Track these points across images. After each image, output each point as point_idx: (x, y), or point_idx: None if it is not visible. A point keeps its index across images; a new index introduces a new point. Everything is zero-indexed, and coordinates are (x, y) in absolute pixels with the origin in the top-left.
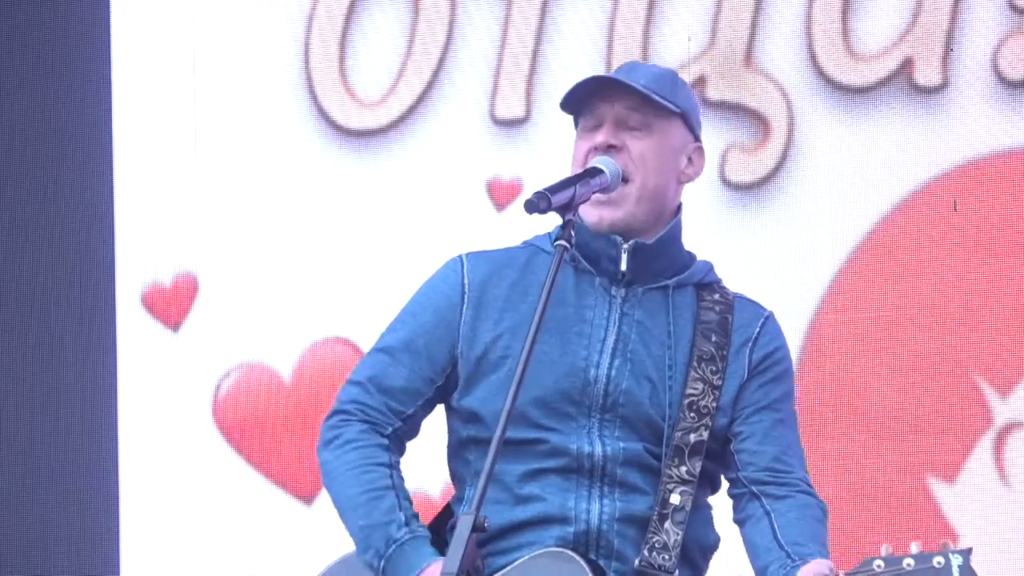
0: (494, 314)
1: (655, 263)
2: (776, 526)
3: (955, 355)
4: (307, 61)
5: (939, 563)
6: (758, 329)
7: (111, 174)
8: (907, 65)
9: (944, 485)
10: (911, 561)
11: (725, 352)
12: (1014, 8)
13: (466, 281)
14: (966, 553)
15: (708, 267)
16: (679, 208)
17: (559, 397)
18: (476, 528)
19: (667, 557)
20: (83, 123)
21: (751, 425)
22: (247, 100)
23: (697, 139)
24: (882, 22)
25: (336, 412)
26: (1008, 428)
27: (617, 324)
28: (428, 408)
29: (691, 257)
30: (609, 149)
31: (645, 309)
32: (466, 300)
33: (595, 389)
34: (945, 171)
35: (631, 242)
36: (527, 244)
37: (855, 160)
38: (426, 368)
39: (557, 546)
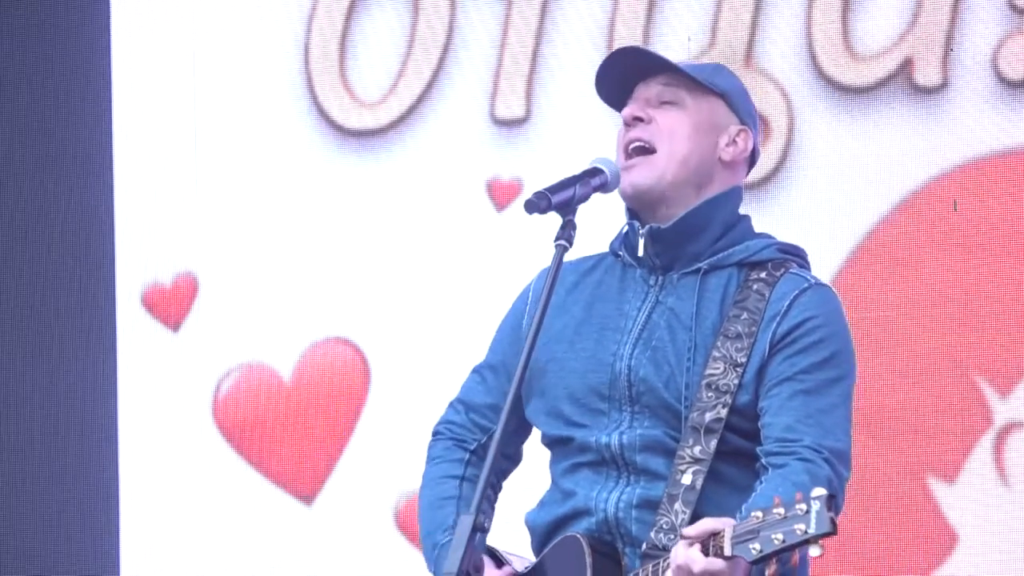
0: (547, 321)
1: (684, 247)
2: (751, 498)
3: (955, 355)
4: (307, 61)
5: (801, 509)
6: (789, 302)
7: (111, 174)
8: (907, 65)
9: (944, 485)
10: (781, 510)
11: (755, 329)
12: (1014, 8)
13: (531, 292)
14: (824, 499)
15: (763, 246)
16: (730, 191)
17: (588, 393)
18: (475, 528)
19: (672, 537)
20: (83, 123)
21: (770, 399)
22: (247, 100)
23: (744, 124)
24: (882, 22)
25: (433, 433)
26: (1008, 428)
27: (648, 313)
28: (519, 421)
29: (740, 238)
30: (635, 121)
31: (678, 295)
32: (527, 310)
33: (621, 381)
34: (945, 171)
35: (646, 227)
36: (604, 252)
37: (855, 160)
38: (505, 383)
39: (577, 534)
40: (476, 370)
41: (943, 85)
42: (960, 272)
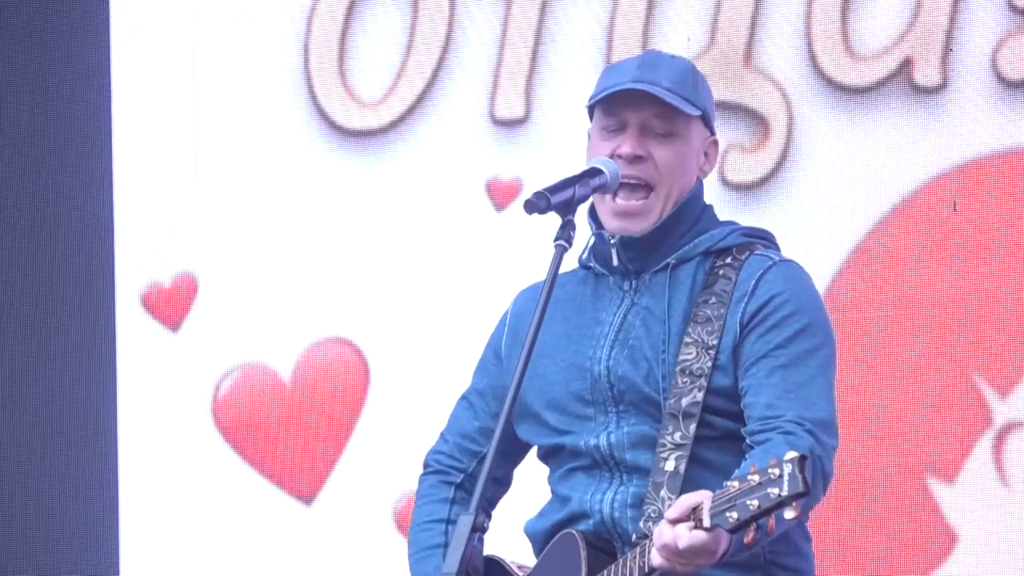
0: (523, 338)
1: (656, 250)
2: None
3: (955, 355)
4: (307, 61)
5: (775, 473)
6: (755, 281)
7: (111, 175)
8: (907, 65)
9: (944, 485)
10: (756, 476)
11: (723, 311)
12: (1014, 8)
13: (509, 313)
14: (795, 461)
15: (727, 232)
16: (696, 190)
17: (572, 400)
18: (475, 529)
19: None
20: (83, 124)
21: (749, 378)
22: (247, 100)
23: (712, 133)
24: (882, 22)
25: (423, 465)
26: (1008, 428)
27: (624, 316)
28: (509, 444)
29: (705, 228)
30: (635, 160)
31: (652, 294)
32: (506, 331)
33: (601, 384)
34: (945, 171)
35: (616, 237)
36: (575, 269)
37: (855, 160)
38: (493, 405)
39: (572, 531)
40: (463, 397)
41: (943, 85)
42: (960, 272)
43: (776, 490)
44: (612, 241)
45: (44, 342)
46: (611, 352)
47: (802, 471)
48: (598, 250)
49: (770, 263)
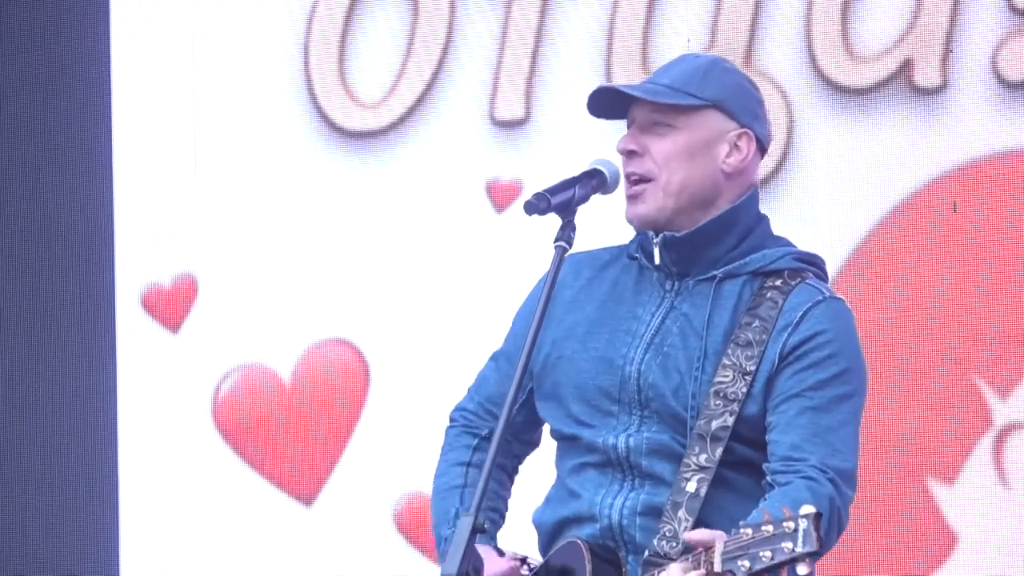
0: (560, 315)
1: (699, 254)
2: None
3: (955, 355)
4: (307, 61)
5: (789, 527)
6: (801, 314)
7: (111, 174)
8: (907, 66)
9: (944, 486)
10: (770, 527)
11: (765, 337)
12: (1014, 9)
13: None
14: (811, 518)
15: (780, 255)
16: (747, 199)
17: (598, 394)
18: (475, 529)
19: (674, 545)
20: (83, 124)
21: (778, 415)
22: (247, 100)
23: (744, 125)
24: (882, 23)
25: (449, 420)
26: (1008, 429)
27: (662, 319)
28: (531, 412)
29: (758, 244)
30: (630, 154)
31: (692, 302)
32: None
33: (630, 385)
34: (945, 172)
35: (660, 236)
36: (623, 245)
37: (855, 161)
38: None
39: (577, 539)
40: (493, 356)
41: (943, 86)
42: (960, 273)
43: (790, 544)
44: (655, 240)
45: (44, 343)
46: (644, 355)
47: (817, 529)
48: (644, 247)
49: (820, 298)
